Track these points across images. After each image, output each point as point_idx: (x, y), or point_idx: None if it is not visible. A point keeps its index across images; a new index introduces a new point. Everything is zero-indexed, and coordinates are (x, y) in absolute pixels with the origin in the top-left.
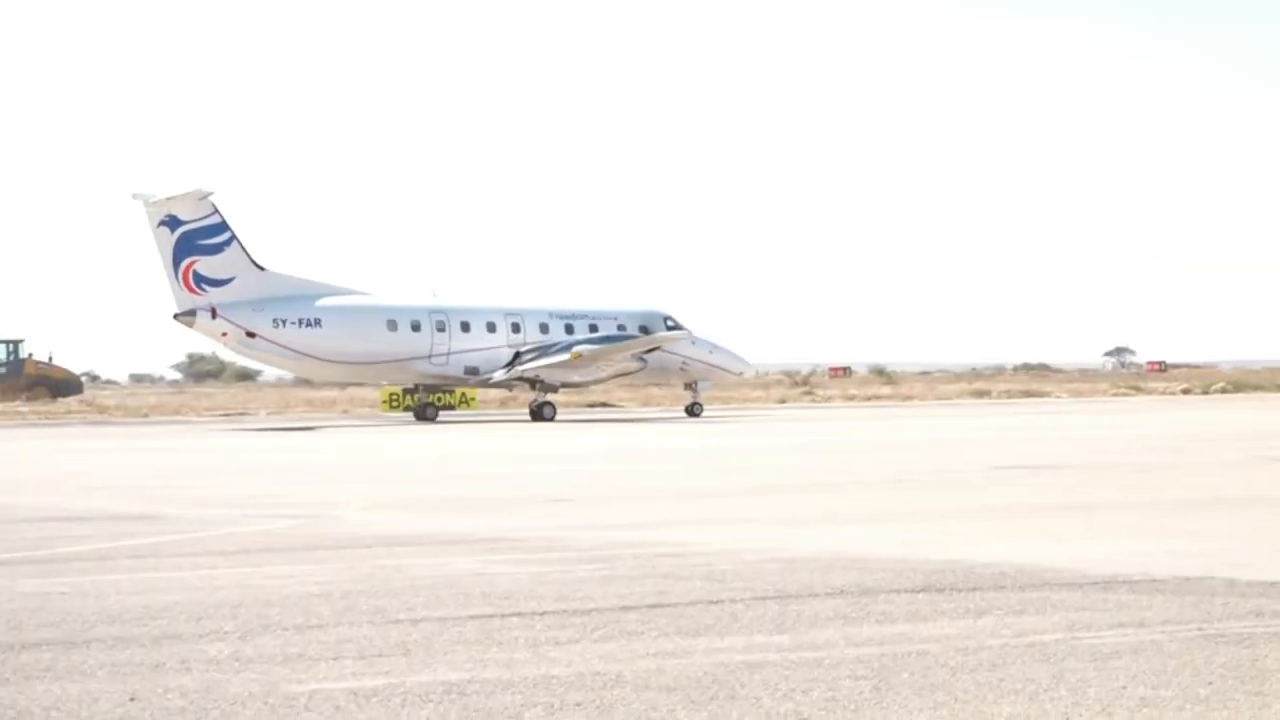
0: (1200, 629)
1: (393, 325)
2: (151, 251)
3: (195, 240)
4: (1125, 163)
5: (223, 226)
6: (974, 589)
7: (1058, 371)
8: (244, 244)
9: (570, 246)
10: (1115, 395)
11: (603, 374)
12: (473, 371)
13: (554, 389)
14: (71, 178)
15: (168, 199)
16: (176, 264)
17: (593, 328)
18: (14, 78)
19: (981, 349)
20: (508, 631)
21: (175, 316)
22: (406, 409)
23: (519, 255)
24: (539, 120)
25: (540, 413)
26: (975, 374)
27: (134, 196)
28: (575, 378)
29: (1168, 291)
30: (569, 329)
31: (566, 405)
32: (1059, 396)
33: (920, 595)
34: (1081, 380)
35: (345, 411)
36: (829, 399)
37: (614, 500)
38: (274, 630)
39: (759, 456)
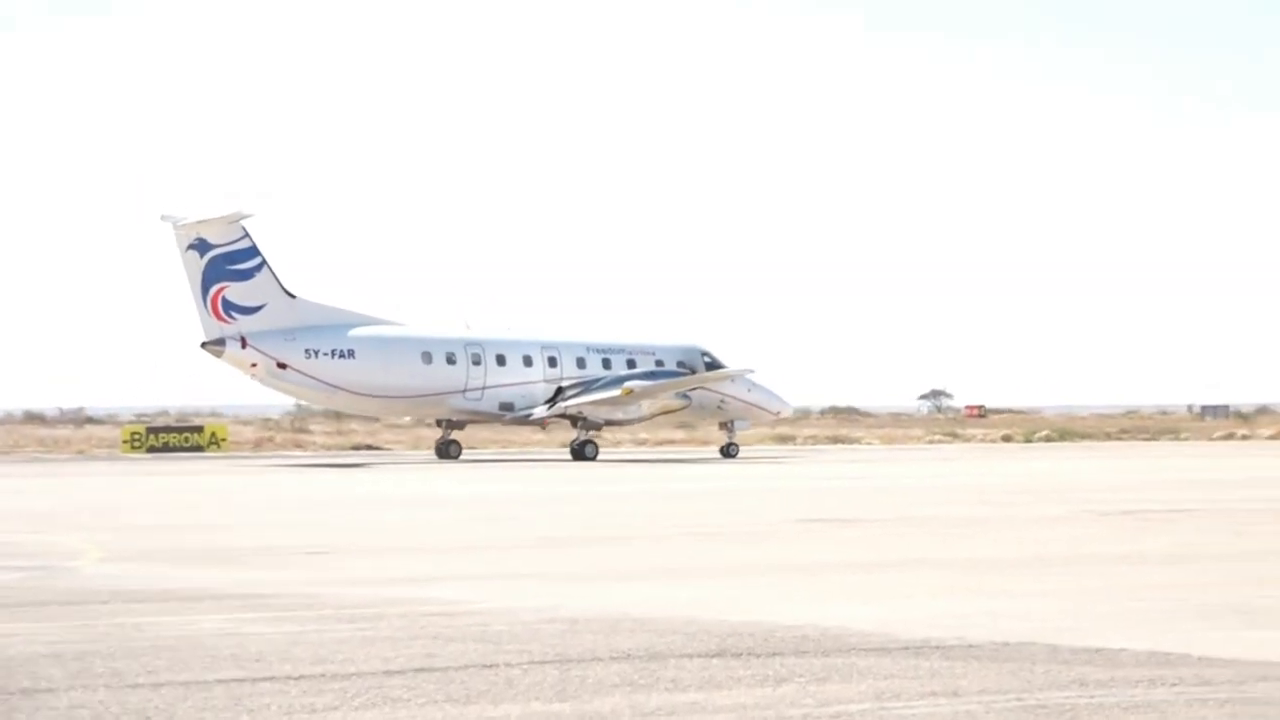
0: (1019, 699)
1: (428, 358)
2: (179, 276)
3: (225, 265)
4: (943, 191)
5: (254, 251)
6: (773, 654)
7: (868, 415)
8: (274, 270)
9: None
10: (931, 442)
11: (645, 412)
12: (508, 407)
13: (598, 427)
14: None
15: (197, 221)
16: (205, 290)
17: (630, 363)
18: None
19: (785, 390)
20: (259, 698)
21: (203, 345)
22: (149, 450)
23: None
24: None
25: (582, 452)
26: (778, 418)
27: (163, 218)
28: (619, 415)
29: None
30: (606, 363)
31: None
32: (869, 443)
33: (714, 660)
34: (894, 425)
35: (81, 452)
36: (618, 443)
37: (381, 553)
38: None
39: (539, 506)
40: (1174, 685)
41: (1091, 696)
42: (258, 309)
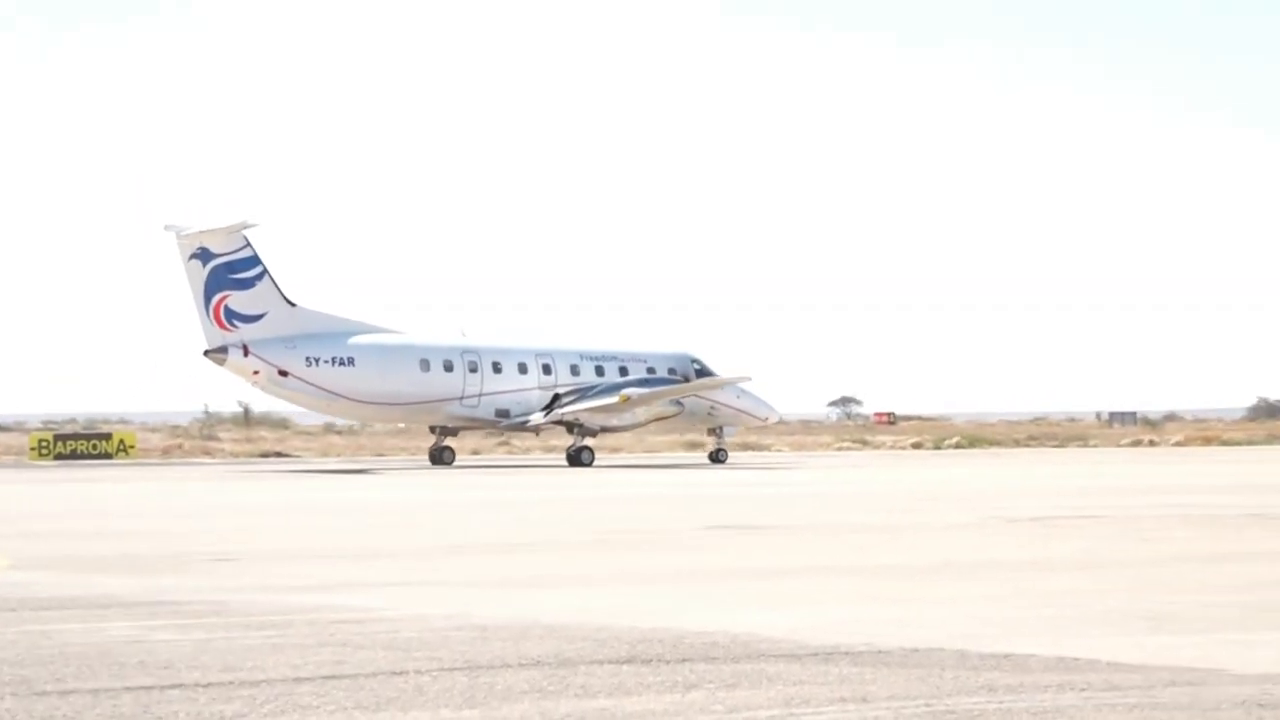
0: (928, 705)
1: (425, 365)
2: (182, 285)
3: (227, 274)
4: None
5: (255, 260)
6: (683, 660)
7: (777, 422)
8: (275, 279)
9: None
10: (840, 449)
11: (641, 419)
12: (504, 414)
13: (593, 433)
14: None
15: (200, 231)
16: (208, 299)
17: (623, 370)
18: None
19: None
20: (167, 705)
21: (206, 353)
22: (57, 457)
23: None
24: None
25: (578, 458)
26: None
27: (166, 228)
28: (615, 422)
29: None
30: (599, 371)
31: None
32: (778, 450)
33: (624, 667)
34: (803, 432)
35: None
36: (528, 449)
37: (290, 559)
38: None
39: (450, 512)
40: (1082, 690)
41: (1000, 702)
42: (259, 317)
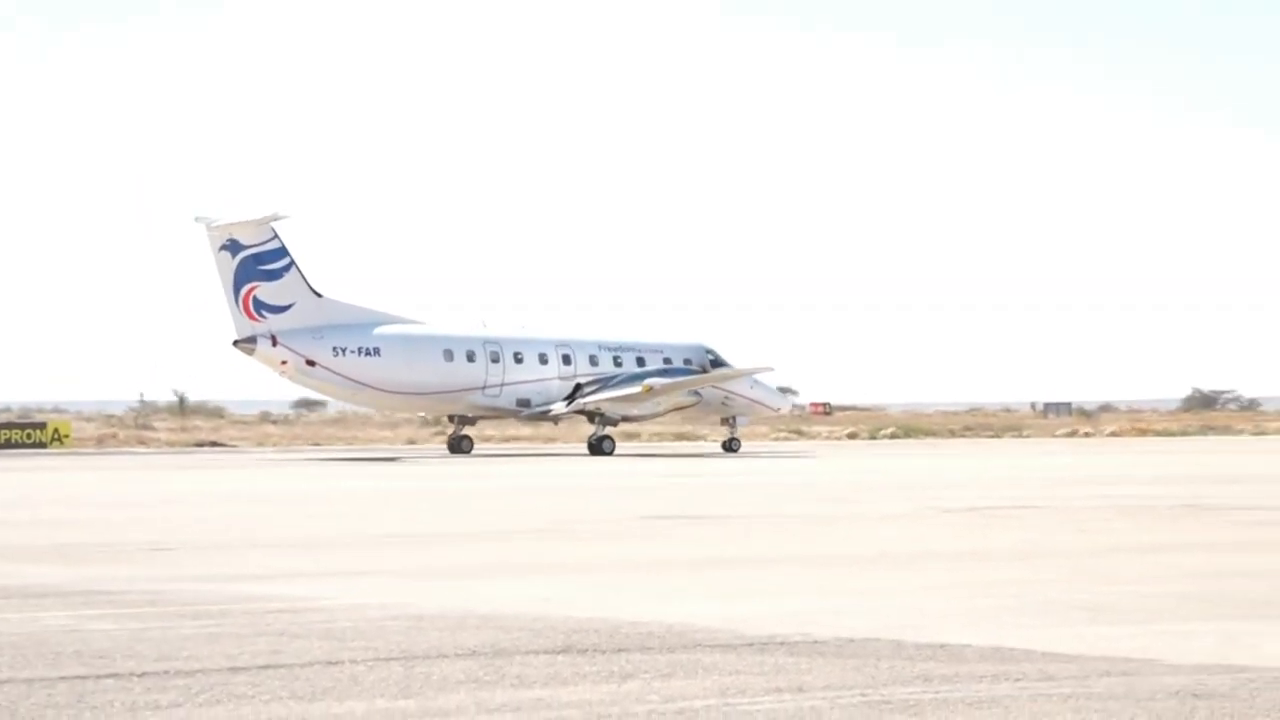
0: (864, 695)
1: (449, 355)
2: (212, 276)
3: (256, 265)
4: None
5: (283, 252)
6: (619, 650)
7: (789, 412)
8: (302, 270)
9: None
10: (776, 439)
11: (660, 409)
12: (524, 404)
13: (614, 422)
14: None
15: (230, 223)
16: (237, 289)
17: (640, 360)
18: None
19: None
20: (102, 694)
21: (235, 343)
22: None
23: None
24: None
25: (600, 446)
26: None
27: (196, 220)
28: (636, 411)
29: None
30: (617, 361)
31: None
32: (713, 440)
33: (560, 657)
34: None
35: None
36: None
37: (225, 549)
38: None
39: (385, 502)
40: (1018, 681)
41: (936, 692)
42: (287, 308)
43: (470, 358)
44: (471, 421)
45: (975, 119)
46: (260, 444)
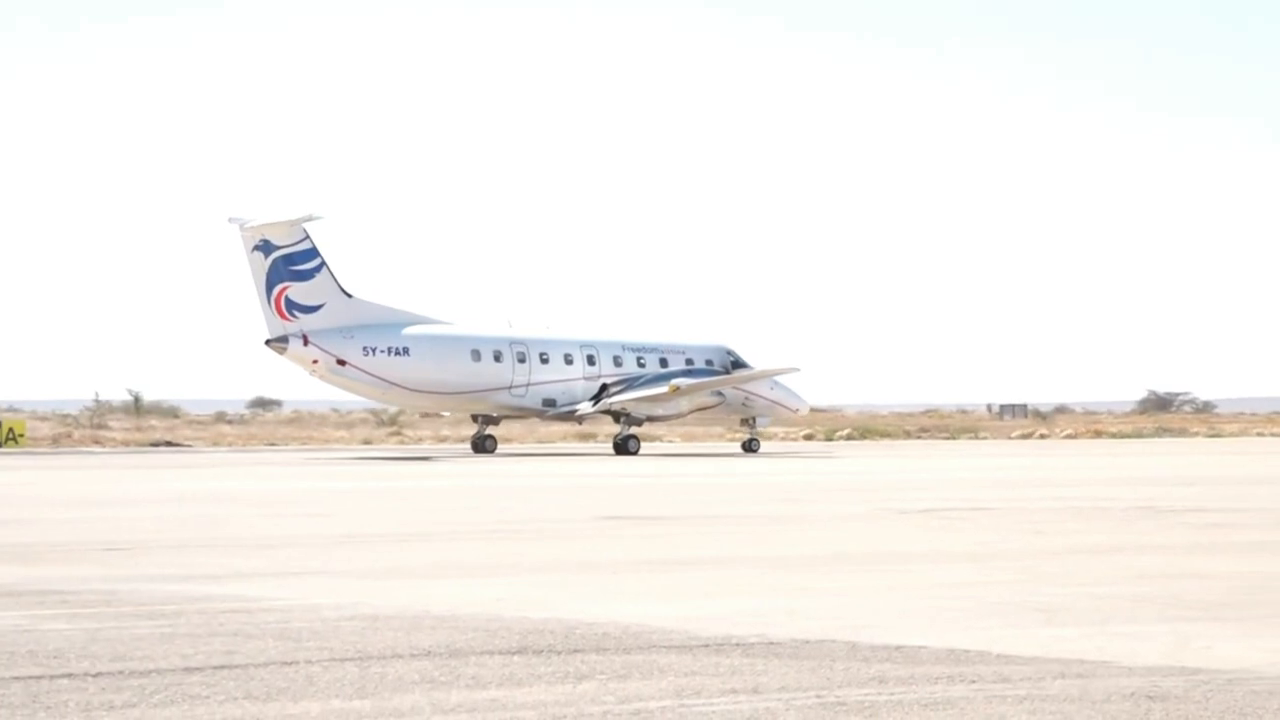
0: (819, 696)
1: (476, 355)
2: (245, 276)
3: (288, 266)
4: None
5: (314, 252)
6: (574, 651)
7: (808, 413)
8: (333, 271)
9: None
10: (731, 439)
11: (684, 409)
12: (550, 403)
13: (639, 422)
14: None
15: (262, 224)
16: (269, 289)
17: (663, 361)
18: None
19: None
20: (57, 694)
21: (267, 342)
22: None
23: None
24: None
25: (625, 446)
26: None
27: (230, 220)
28: (660, 411)
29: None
30: (640, 362)
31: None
32: (669, 440)
33: (515, 657)
34: (696, 422)
35: None
36: (419, 439)
37: (181, 549)
38: None
39: (338, 501)
40: (973, 683)
41: (891, 694)
42: (318, 308)
43: (497, 358)
44: (495, 421)
45: (927, 123)
46: (215, 444)
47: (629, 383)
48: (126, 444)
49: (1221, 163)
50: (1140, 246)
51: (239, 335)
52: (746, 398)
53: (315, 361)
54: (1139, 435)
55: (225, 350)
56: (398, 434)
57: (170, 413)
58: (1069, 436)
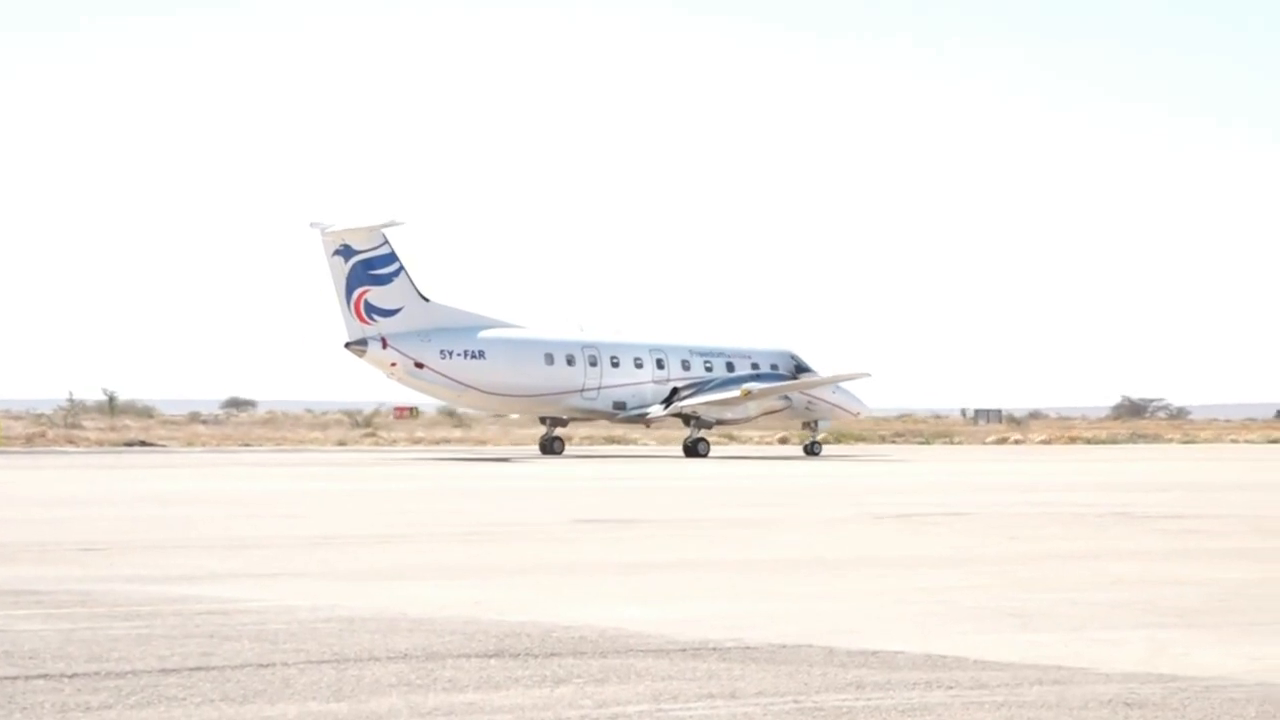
0: (796, 701)
1: (549, 359)
2: (325, 280)
3: (367, 270)
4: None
5: (392, 257)
6: (551, 654)
7: (867, 416)
8: (410, 275)
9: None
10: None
11: (753, 413)
12: (620, 406)
13: (709, 425)
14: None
15: (343, 229)
16: (349, 293)
17: (729, 365)
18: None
19: None
20: (33, 695)
21: (347, 345)
22: None
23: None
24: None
25: (695, 449)
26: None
27: (311, 225)
28: (729, 415)
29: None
30: (708, 366)
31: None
32: (645, 443)
33: (492, 660)
34: (669, 426)
35: None
36: (394, 441)
37: (157, 550)
38: None
39: (314, 503)
40: (950, 688)
41: (868, 699)
42: (396, 312)
43: (569, 361)
44: (564, 423)
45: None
46: (190, 444)
47: (698, 386)
48: (101, 444)
49: (1200, 169)
50: (1115, 253)
51: (213, 334)
52: (810, 401)
53: (393, 364)
54: (1113, 441)
55: (199, 350)
56: (372, 435)
57: (145, 412)
58: (1044, 442)
